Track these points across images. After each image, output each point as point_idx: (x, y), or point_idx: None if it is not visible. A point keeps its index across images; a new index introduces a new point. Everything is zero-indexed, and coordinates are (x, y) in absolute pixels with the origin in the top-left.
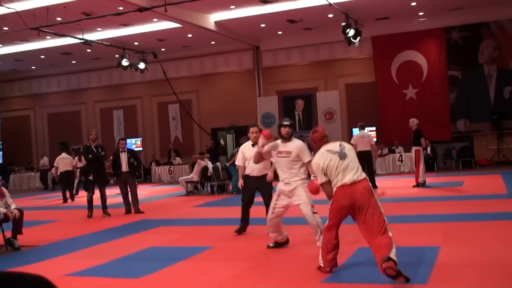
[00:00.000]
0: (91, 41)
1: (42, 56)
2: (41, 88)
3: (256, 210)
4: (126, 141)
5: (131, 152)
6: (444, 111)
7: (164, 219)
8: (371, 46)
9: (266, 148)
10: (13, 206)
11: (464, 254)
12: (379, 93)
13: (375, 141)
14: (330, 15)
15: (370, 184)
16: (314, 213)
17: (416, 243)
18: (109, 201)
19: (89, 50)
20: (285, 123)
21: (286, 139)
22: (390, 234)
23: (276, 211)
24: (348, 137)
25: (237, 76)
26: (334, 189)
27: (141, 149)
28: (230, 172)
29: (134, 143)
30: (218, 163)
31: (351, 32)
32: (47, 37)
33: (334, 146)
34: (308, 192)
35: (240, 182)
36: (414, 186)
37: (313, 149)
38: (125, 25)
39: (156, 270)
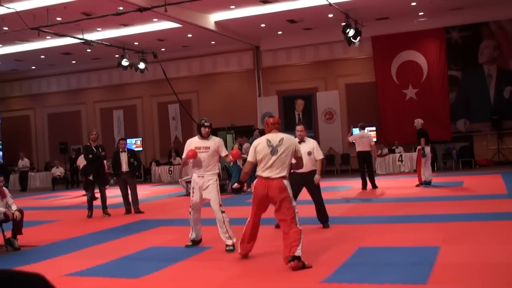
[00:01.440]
0: (91, 41)
1: (42, 56)
2: (41, 88)
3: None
4: (126, 141)
5: (131, 152)
6: (444, 111)
7: (164, 219)
8: (371, 46)
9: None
10: (14, 207)
11: (464, 254)
12: (379, 93)
13: (375, 141)
14: (330, 15)
15: (285, 184)
16: (222, 212)
17: (416, 243)
18: (109, 201)
19: (89, 50)
20: (205, 123)
21: (206, 138)
22: (299, 227)
23: (193, 207)
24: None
25: (237, 76)
26: (257, 176)
27: (141, 149)
28: (230, 171)
29: (134, 143)
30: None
31: (351, 32)
32: (47, 37)
33: (274, 139)
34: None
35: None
36: (417, 185)
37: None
38: (125, 25)
39: (156, 270)
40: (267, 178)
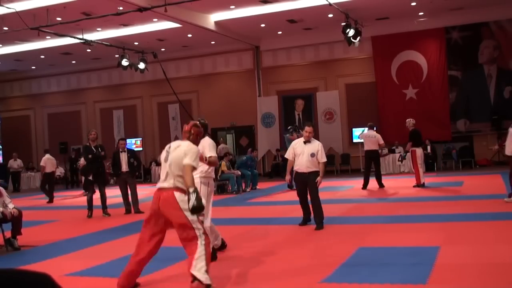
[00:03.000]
0: (91, 41)
1: (42, 56)
2: (41, 88)
3: (256, 210)
4: (126, 141)
5: (131, 152)
6: (444, 111)
7: None
8: (371, 46)
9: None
10: (11, 206)
11: (464, 254)
12: (379, 93)
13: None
14: (330, 15)
15: (177, 196)
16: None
17: (416, 243)
18: (109, 201)
19: (89, 50)
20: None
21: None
22: (200, 241)
23: None
24: (348, 137)
25: (237, 76)
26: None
27: (141, 149)
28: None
29: (134, 143)
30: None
31: (351, 32)
32: (47, 37)
33: (173, 144)
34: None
35: (288, 178)
36: (414, 186)
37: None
38: (125, 25)
39: (156, 270)
40: (160, 189)
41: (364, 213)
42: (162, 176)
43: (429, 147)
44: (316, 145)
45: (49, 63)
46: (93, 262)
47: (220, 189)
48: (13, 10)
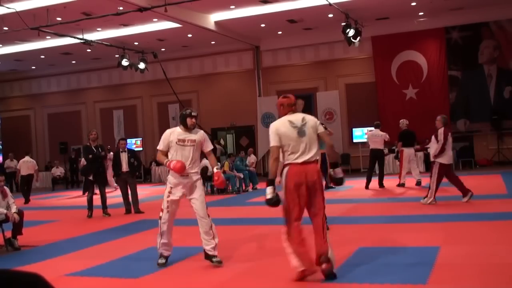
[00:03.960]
0: (91, 41)
1: (42, 56)
2: (41, 88)
3: (256, 210)
4: (126, 141)
5: (131, 152)
6: (444, 111)
7: None
8: (371, 46)
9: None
10: (13, 208)
11: (464, 254)
12: (379, 93)
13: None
14: (330, 15)
15: (319, 167)
16: (208, 216)
17: (416, 243)
18: (109, 201)
19: (89, 50)
20: (193, 113)
21: (191, 129)
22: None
23: (171, 209)
24: (348, 137)
25: (237, 76)
26: (285, 164)
27: (141, 149)
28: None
29: (134, 143)
30: (218, 163)
31: (351, 32)
32: (47, 37)
33: (296, 119)
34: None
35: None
36: (396, 185)
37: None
38: (125, 25)
39: (156, 270)
40: (303, 163)
41: (364, 213)
42: (301, 151)
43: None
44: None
45: (49, 63)
46: (93, 262)
47: (220, 189)
48: (13, 10)
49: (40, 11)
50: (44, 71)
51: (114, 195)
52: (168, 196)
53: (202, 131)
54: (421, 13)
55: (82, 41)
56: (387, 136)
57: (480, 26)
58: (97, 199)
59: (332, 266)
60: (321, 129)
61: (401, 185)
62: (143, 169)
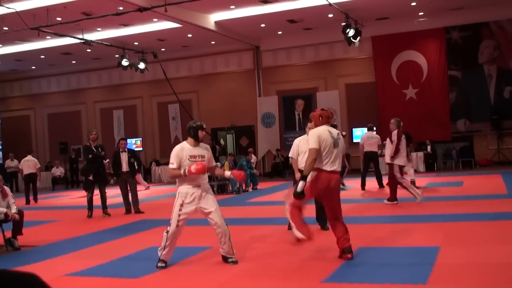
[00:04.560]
0: (91, 41)
1: (42, 56)
2: (41, 88)
3: (256, 210)
4: (126, 141)
5: (131, 152)
6: (444, 111)
7: (164, 219)
8: (371, 46)
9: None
10: (13, 209)
11: (464, 254)
12: (379, 93)
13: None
14: (330, 15)
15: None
16: (226, 224)
17: (416, 243)
18: (109, 201)
19: (89, 50)
20: (204, 126)
21: (199, 142)
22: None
23: (181, 223)
24: (349, 137)
25: (237, 76)
26: (315, 168)
27: (141, 149)
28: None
29: (134, 143)
30: (218, 163)
31: (351, 32)
32: (47, 37)
33: (334, 131)
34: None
35: (297, 175)
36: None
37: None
38: (125, 25)
39: (156, 270)
40: (331, 172)
41: (364, 213)
42: (331, 160)
43: (429, 147)
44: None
45: (49, 63)
46: (93, 262)
47: (220, 189)
48: (13, 10)
49: (40, 11)
50: (44, 71)
51: (114, 195)
52: (180, 210)
53: (206, 145)
54: (421, 13)
55: (82, 41)
56: (380, 140)
57: (480, 26)
58: (97, 199)
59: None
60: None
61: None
62: (143, 169)
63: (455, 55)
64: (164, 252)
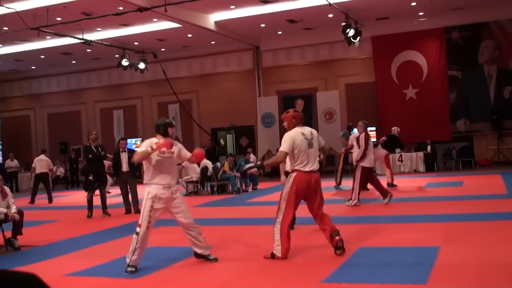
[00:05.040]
0: (91, 41)
1: (42, 56)
2: (41, 88)
3: (256, 210)
4: (126, 141)
5: (131, 152)
6: (444, 111)
7: (164, 219)
8: (371, 46)
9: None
10: (13, 208)
11: (464, 254)
12: (379, 93)
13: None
14: (330, 15)
15: (319, 176)
16: (196, 223)
17: (416, 243)
18: (109, 201)
19: (89, 50)
20: (173, 123)
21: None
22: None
23: (151, 224)
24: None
25: (237, 76)
26: (293, 170)
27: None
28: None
29: (134, 143)
30: (218, 163)
31: (351, 32)
32: (47, 37)
33: (307, 132)
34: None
35: (283, 178)
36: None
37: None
38: (125, 25)
39: (156, 270)
40: (310, 172)
41: (364, 213)
42: (308, 161)
43: (429, 147)
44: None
45: (49, 63)
46: (93, 262)
47: (220, 189)
48: (13, 10)
49: (40, 11)
50: (44, 71)
51: (114, 195)
52: (151, 211)
53: (175, 141)
54: (421, 13)
55: (82, 41)
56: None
57: (480, 26)
58: (97, 199)
59: (342, 239)
60: (322, 142)
61: (389, 185)
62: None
63: (455, 55)
64: (133, 258)
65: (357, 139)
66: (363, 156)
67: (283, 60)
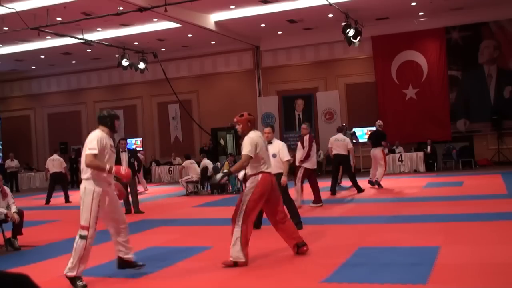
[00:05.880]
0: (91, 41)
1: (42, 56)
2: (41, 88)
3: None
4: (126, 141)
5: (131, 152)
6: (444, 111)
7: (164, 219)
8: (371, 46)
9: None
10: (13, 209)
11: (464, 254)
12: (379, 93)
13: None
14: (330, 15)
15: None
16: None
17: (416, 243)
18: None
19: (89, 50)
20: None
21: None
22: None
23: (96, 226)
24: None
25: (237, 76)
26: (258, 172)
27: (141, 149)
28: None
29: (134, 143)
30: (218, 163)
31: (351, 32)
32: (47, 37)
33: (261, 135)
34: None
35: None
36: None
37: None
38: (125, 25)
39: (156, 270)
40: (271, 174)
41: (364, 213)
42: (268, 163)
43: (429, 147)
44: (277, 145)
45: (49, 63)
46: (93, 262)
47: (220, 189)
48: (13, 10)
49: (40, 11)
50: (44, 71)
51: None
52: (98, 212)
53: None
54: (421, 13)
55: (82, 41)
56: (350, 144)
57: (480, 26)
58: None
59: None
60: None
61: (370, 183)
62: (143, 169)
63: (455, 55)
64: (81, 268)
65: (302, 140)
66: (307, 157)
67: (283, 60)
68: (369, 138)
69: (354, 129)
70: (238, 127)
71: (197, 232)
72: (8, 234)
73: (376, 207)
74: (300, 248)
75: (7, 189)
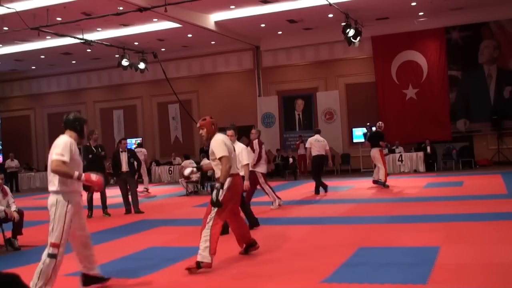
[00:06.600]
0: (91, 41)
1: (42, 56)
2: (41, 88)
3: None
4: (126, 141)
5: (131, 152)
6: (444, 111)
7: (164, 219)
8: (371, 46)
9: None
10: (13, 208)
11: (464, 254)
12: (379, 93)
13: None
14: (330, 15)
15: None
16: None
17: (416, 243)
18: (109, 201)
19: (89, 50)
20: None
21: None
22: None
23: (67, 240)
24: (348, 137)
25: (237, 76)
26: (230, 174)
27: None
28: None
29: (134, 143)
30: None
31: (351, 32)
32: (47, 37)
33: (226, 137)
34: None
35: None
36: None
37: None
38: (125, 25)
39: (156, 270)
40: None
41: (364, 213)
42: (235, 165)
43: (429, 147)
44: (238, 148)
45: (49, 63)
46: None
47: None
48: (13, 10)
49: (40, 11)
50: (44, 71)
51: (114, 195)
52: (70, 227)
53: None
54: (421, 13)
55: (82, 41)
56: (327, 145)
57: (480, 26)
58: (97, 199)
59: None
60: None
61: (375, 182)
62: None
63: (455, 55)
64: None
65: (251, 145)
66: (258, 160)
67: (283, 60)
68: (368, 139)
69: (353, 129)
70: (203, 131)
71: (197, 232)
72: (8, 234)
73: (376, 207)
74: (252, 248)
75: (7, 188)
